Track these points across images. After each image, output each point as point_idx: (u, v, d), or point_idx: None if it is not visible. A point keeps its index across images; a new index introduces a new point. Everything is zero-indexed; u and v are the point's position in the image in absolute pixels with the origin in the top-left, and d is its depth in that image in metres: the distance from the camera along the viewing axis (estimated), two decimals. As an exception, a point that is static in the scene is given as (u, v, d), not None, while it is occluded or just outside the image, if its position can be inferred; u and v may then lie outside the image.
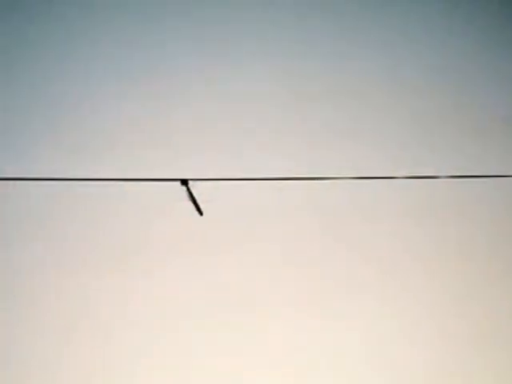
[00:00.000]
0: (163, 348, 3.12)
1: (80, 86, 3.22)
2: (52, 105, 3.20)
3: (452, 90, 3.38)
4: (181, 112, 3.24)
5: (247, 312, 3.16)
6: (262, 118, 3.27)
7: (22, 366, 3.06)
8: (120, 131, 3.21)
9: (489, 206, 3.32)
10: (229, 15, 3.31)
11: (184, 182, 3.17)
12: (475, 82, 3.39)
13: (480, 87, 3.40)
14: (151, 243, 3.16)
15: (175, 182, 3.17)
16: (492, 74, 3.39)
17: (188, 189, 3.17)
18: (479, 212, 3.32)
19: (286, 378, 3.15)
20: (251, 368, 3.13)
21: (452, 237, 3.29)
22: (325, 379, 3.16)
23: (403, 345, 3.20)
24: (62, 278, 3.11)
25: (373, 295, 3.21)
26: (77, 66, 3.23)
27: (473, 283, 3.27)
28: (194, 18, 3.28)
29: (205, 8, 3.29)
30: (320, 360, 3.17)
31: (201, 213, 3.17)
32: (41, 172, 3.14)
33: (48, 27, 3.22)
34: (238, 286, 3.17)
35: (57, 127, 3.19)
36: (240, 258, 3.18)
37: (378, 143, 3.30)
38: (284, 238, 3.22)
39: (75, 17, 3.24)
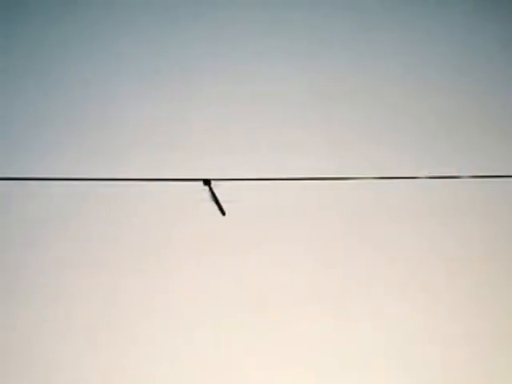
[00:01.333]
0: (182, 347, 3.12)
1: (102, 88, 3.23)
2: (75, 106, 3.21)
3: (474, 90, 3.36)
4: (203, 112, 3.24)
5: (269, 312, 3.16)
6: (285, 119, 3.27)
7: (45, 366, 3.07)
8: (143, 132, 3.21)
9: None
10: (247, 16, 3.30)
11: (206, 181, 3.17)
12: (498, 81, 3.38)
13: (502, 86, 3.38)
14: (173, 243, 3.17)
15: (198, 182, 3.17)
16: (515, 74, 3.39)
17: (210, 189, 3.17)
18: (502, 212, 3.31)
19: (308, 379, 3.15)
20: (272, 368, 3.13)
21: (475, 236, 3.28)
22: (348, 378, 3.16)
23: (426, 345, 3.19)
24: (84, 278, 3.12)
25: (395, 295, 3.20)
26: (99, 67, 3.23)
27: (495, 283, 3.26)
28: (213, 19, 3.28)
29: (222, 9, 3.29)
30: (343, 361, 3.17)
31: (223, 213, 3.17)
32: (64, 172, 3.15)
33: (69, 28, 3.23)
34: (261, 286, 3.17)
35: (80, 128, 3.20)
36: (263, 258, 3.18)
37: (401, 143, 3.29)
38: (306, 239, 3.21)
39: (95, 18, 3.24)
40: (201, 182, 3.17)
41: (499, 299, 3.24)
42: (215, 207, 3.17)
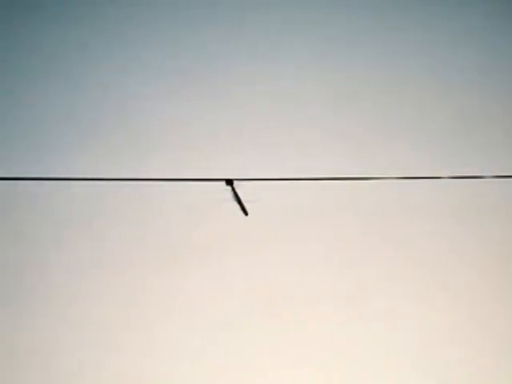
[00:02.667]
0: (205, 348, 3.13)
1: (124, 87, 3.23)
2: (97, 106, 3.21)
3: (496, 89, 3.35)
4: (226, 112, 3.24)
5: (292, 312, 3.16)
6: (306, 118, 3.26)
7: (67, 366, 3.08)
8: (165, 132, 3.22)
9: (534, 206, 3.31)
10: (273, 15, 3.30)
11: (229, 181, 3.17)
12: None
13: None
14: (196, 243, 3.17)
15: (220, 182, 3.17)
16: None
17: (233, 189, 3.17)
18: (524, 212, 3.31)
19: (323, 380, 3.15)
20: (293, 368, 3.14)
21: (496, 237, 3.27)
22: (366, 380, 3.16)
23: (444, 346, 3.19)
24: (107, 278, 3.13)
25: (415, 295, 3.20)
26: (121, 66, 3.24)
27: (517, 283, 3.26)
28: (238, 18, 3.28)
29: (248, 8, 3.29)
30: (362, 361, 3.17)
31: (246, 213, 3.18)
32: (86, 172, 3.15)
33: (92, 28, 3.23)
34: (284, 286, 3.17)
35: (102, 128, 3.20)
36: (285, 258, 3.18)
37: (423, 143, 3.29)
38: (328, 239, 3.21)
39: (119, 18, 3.24)
40: (223, 182, 3.18)
41: (521, 299, 3.25)
42: (238, 207, 3.17)
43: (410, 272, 3.21)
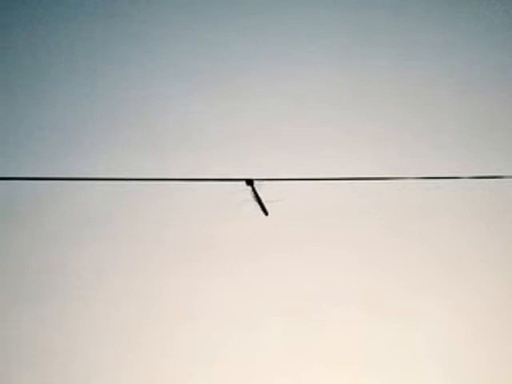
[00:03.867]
0: (225, 348, 3.12)
1: (145, 86, 3.24)
2: (118, 105, 3.22)
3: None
4: (246, 112, 3.24)
5: (312, 313, 3.16)
6: (327, 118, 3.26)
7: (86, 365, 3.08)
8: (185, 131, 3.22)
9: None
10: (292, 15, 3.30)
11: (249, 181, 3.17)
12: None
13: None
14: (216, 243, 3.17)
15: (241, 182, 3.17)
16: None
17: (253, 189, 3.17)
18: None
19: (352, 378, 3.14)
20: (317, 367, 3.13)
21: (519, 236, 3.27)
22: (391, 379, 3.15)
23: (473, 346, 3.18)
24: (127, 278, 3.13)
25: (440, 295, 3.19)
26: (142, 65, 3.24)
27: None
28: (259, 18, 3.28)
29: (269, 8, 3.28)
30: (383, 360, 3.16)
31: (266, 213, 3.17)
32: (107, 172, 3.16)
33: (113, 27, 3.24)
34: (303, 287, 3.17)
35: (123, 128, 3.21)
36: (305, 258, 3.18)
37: (444, 143, 3.28)
38: (349, 239, 3.21)
39: (141, 16, 3.25)
40: (244, 182, 3.17)
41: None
42: (258, 207, 3.17)
43: (431, 272, 3.21)
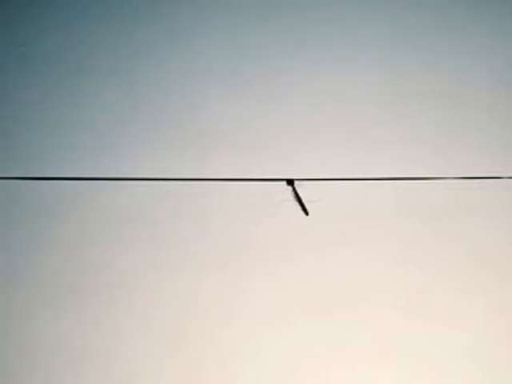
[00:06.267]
0: (264, 348, 3.12)
1: (185, 87, 3.24)
2: (161, 105, 3.22)
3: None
4: (286, 112, 3.24)
5: (351, 312, 3.15)
6: (368, 118, 3.25)
7: (126, 367, 3.08)
8: (226, 131, 3.22)
9: None
10: (329, 15, 3.30)
11: (290, 181, 3.17)
12: None
13: None
14: (256, 243, 3.17)
15: (281, 182, 3.17)
16: None
17: (294, 189, 3.17)
18: None
19: (391, 378, 3.13)
20: (357, 367, 3.13)
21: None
22: (430, 380, 3.14)
23: (508, 345, 3.17)
24: (165, 278, 3.13)
25: (481, 295, 3.18)
26: (185, 65, 3.24)
27: None
28: (300, 18, 3.28)
29: (311, 9, 3.28)
30: (423, 361, 3.15)
31: (306, 213, 3.17)
32: (149, 172, 3.16)
33: (156, 27, 3.24)
34: (344, 287, 3.16)
35: (165, 127, 3.21)
36: (345, 259, 3.17)
37: (485, 143, 3.27)
38: (390, 238, 3.20)
39: (183, 16, 3.25)
40: (284, 182, 3.17)
41: None
42: (298, 207, 3.17)
43: (471, 271, 3.19)
